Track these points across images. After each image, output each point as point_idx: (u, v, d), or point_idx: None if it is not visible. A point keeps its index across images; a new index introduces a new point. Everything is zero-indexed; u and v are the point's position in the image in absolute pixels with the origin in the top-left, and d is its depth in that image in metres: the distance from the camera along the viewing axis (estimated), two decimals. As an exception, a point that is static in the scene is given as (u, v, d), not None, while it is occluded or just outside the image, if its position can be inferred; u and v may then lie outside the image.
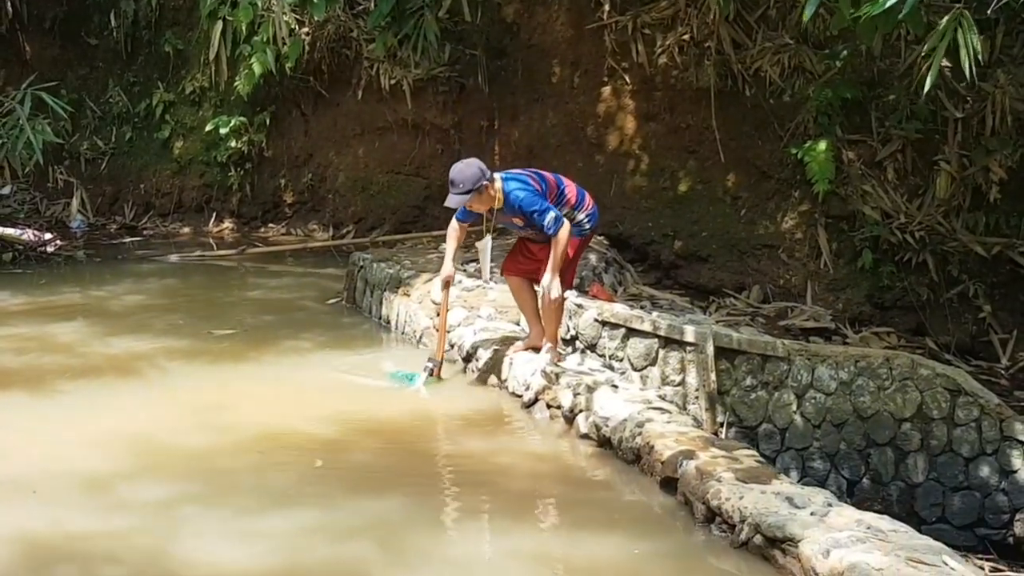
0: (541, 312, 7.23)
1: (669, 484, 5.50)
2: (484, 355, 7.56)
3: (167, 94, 15.14)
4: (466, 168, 6.85)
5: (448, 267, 7.39)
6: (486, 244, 7.19)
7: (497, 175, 6.98)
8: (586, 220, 7.26)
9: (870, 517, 4.68)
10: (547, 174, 7.23)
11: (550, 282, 6.91)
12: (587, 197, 7.33)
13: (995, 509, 7.49)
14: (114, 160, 15.47)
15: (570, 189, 7.22)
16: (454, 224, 7.33)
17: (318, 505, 5.41)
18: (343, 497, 5.52)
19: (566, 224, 6.92)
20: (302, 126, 14.36)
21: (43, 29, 16.00)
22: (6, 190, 15.25)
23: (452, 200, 6.86)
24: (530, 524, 5.38)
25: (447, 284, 7.48)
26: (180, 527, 5.15)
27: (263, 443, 6.27)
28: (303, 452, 6.18)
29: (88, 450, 6.14)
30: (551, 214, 6.83)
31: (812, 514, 4.70)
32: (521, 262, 7.34)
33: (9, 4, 15.73)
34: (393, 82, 13.13)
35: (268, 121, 14.29)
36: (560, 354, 7.23)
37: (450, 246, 7.38)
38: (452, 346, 8.09)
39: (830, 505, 4.82)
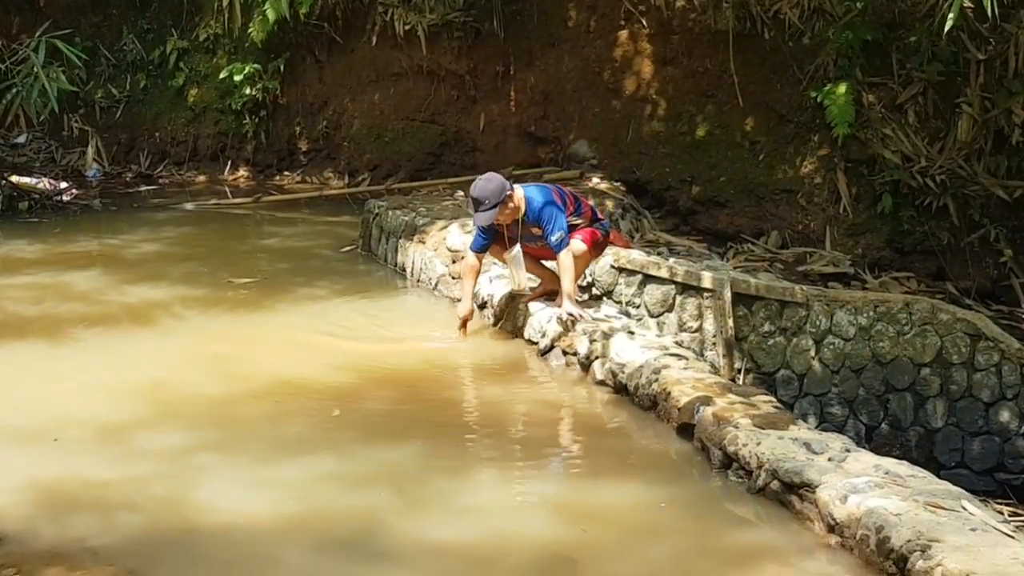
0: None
1: (686, 430, 5.48)
2: (499, 302, 7.52)
3: (181, 41, 15.03)
4: (488, 183, 6.78)
5: (467, 304, 7.21)
6: (517, 254, 7.07)
7: (517, 186, 6.94)
8: (600, 227, 7.21)
9: (888, 462, 4.66)
10: (566, 190, 7.19)
11: (567, 308, 6.83)
12: (599, 213, 7.34)
13: (1015, 454, 7.50)
14: (129, 108, 15.40)
15: (586, 206, 7.19)
16: (470, 260, 7.17)
17: (334, 453, 5.41)
18: (359, 445, 5.52)
19: (572, 248, 6.85)
20: (316, 73, 14.25)
21: (56, -23, 15.87)
22: (21, 139, 15.22)
23: (482, 217, 6.76)
24: (546, 471, 5.37)
25: (465, 323, 7.25)
26: (196, 475, 5.16)
27: (279, 391, 6.27)
28: (319, 400, 6.18)
29: (105, 398, 6.16)
30: (560, 233, 6.78)
31: (830, 460, 4.68)
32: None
33: (22, -49, 15.60)
34: (408, 28, 12.99)
35: (282, 68, 14.19)
36: (581, 306, 7.16)
37: (468, 284, 7.21)
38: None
39: (848, 451, 4.80)
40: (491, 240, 7.05)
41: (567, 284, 6.87)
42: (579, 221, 7.00)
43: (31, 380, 6.60)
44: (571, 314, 6.81)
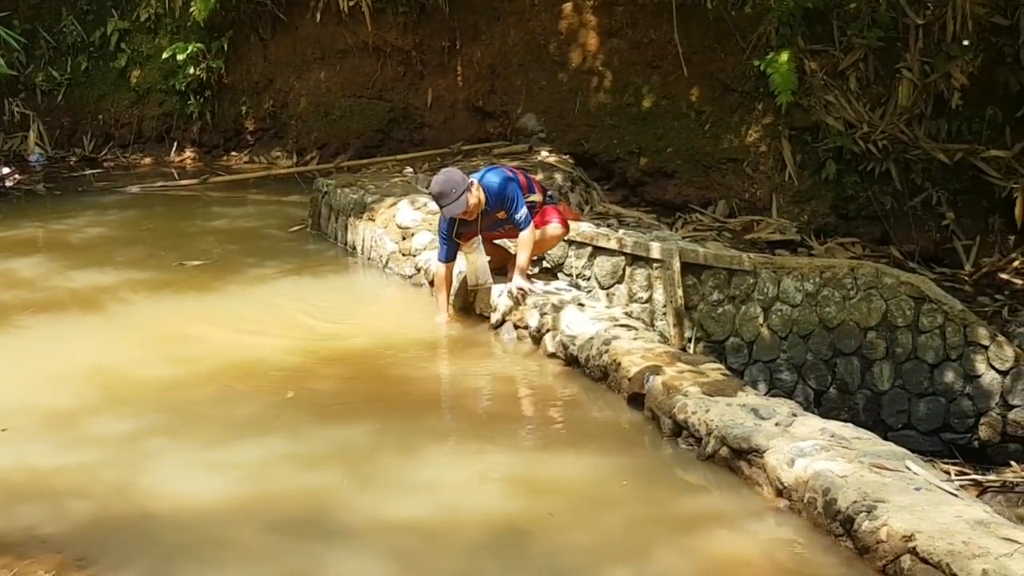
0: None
1: (636, 400, 5.53)
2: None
3: (122, 22, 14.80)
4: (447, 175, 6.73)
5: (445, 317, 7.09)
6: (478, 246, 7.01)
7: (471, 177, 6.85)
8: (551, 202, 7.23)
9: (834, 425, 4.73)
10: (514, 169, 7.16)
11: (518, 283, 6.83)
12: (535, 184, 7.26)
13: (960, 414, 7.63)
14: (71, 91, 15.16)
15: (536, 184, 7.16)
16: (440, 271, 7.07)
17: (285, 434, 5.40)
18: (310, 425, 5.52)
19: (546, 230, 6.90)
20: (261, 51, 14.12)
21: (-9, -42, 15.59)
22: (-39, 125, 14.98)
23: (453, 208, 6.62)
24: (499, 445, 5.39)
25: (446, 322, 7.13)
26: (147, 460, 5.13)
27: (229, 373, 6.24)
28: (270, 381, 6.16)
29: (52, 385, 6.11)
30: (524, 210, 6.78)
31: (777, 424, 4.74)
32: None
33: (-46, -68, 15.28)
34: (352, 4, 12.88)
35: (226, 47, 14.03)
36: (530, 278, 7.18)
37: (442, 296, 7.10)
38: (419, 270, 8.06)
39: (795, 415, 4.86)
40: (455, 245, 6.97)
41: (522, 259, 6.87)
42: (536, 198, 7.00)
43: (-25, 369, 6.53)
44: (521, 288, 6.83)
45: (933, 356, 7.61)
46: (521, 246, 6.88)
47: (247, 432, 5.44)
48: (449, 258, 7.02)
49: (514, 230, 6.92)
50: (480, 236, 6.98)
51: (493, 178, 6.85)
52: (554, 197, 7.42)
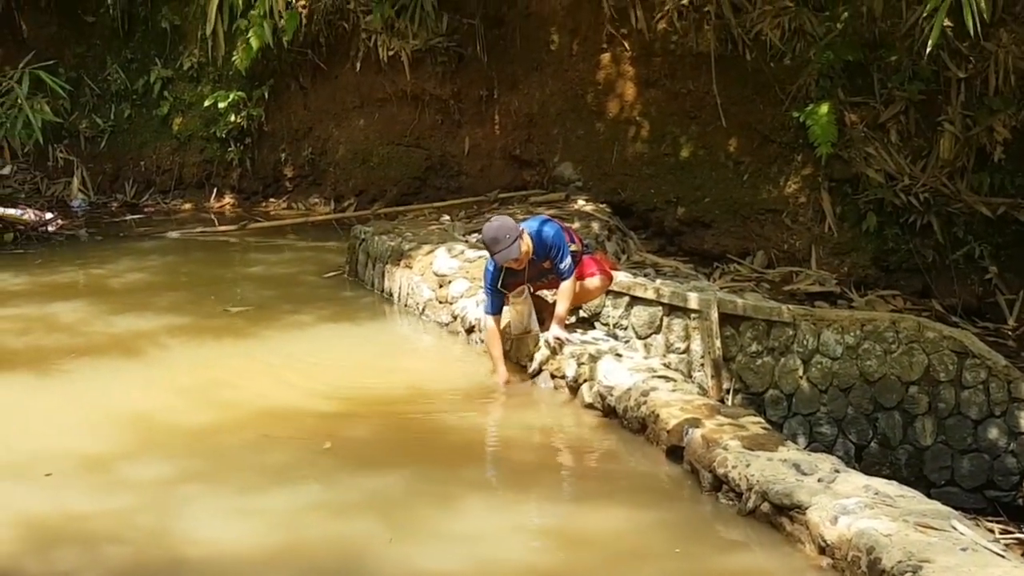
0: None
1: (675, 453, 5.46)
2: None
3: (165, 70, 15.05)
4: (502, 223, 6.65)
5: (503, 370, 6.91)
6: (525, 296, 6.96)
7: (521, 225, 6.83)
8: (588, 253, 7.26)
9: (878, 483, 4.64)
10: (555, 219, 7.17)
11: (555, 332, 6.80)
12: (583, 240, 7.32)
13: (1004, 471, 7.49)
14: (114, 138, 15.39)
15: (575, 235, 7.17)
16: (490, 324, 6.93)
17: (320, 481, 5.38)
18: (345, 473, 5.49)
19: (574, 277, 6.87)
20: (301, 99, 14.27)
21: (39, 8, 15.85)
22: (6, 170, 15.18)
23: (506, 255, 6.54)
24: (535, 496, 5.34)
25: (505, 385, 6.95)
26: (182, 506, 5.12)
27: (265, 420, 6.24)
28: (305, 428, 6.14)
29: (90, 429, 6.12)
30: (568, 260, 6.79)
31: (819, 481, 4.66)
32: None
33: (5, -18, 15.61)
34: (391, 53, 13.02)
35: (267, 95, 14.20)
36: (568, 328, 7.14)
37: (497, 350, 6.92)
38: (455, 317, 8.05)
39: (837, 471, 4.78)
40: (502, 296, 6.90)
41: (561, 309, 6.85)
42: (574, 248, 6.98)
43: (17, 412, 6.56)
44: (558, 338, 6.80)
45: (977, 412, 7.49)
46: (561, 295, 6.85)
47: (282, 479, 5.42)
48: (496, 311, 6.93)
49: (556, 280, 6.90)
50: (528, 286, 6.95)
51: (540, 227, 6.83)
52: (590, 247, 7.40)
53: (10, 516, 4.95)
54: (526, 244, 6.66)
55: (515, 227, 6.64)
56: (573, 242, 6.99)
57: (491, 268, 6.85)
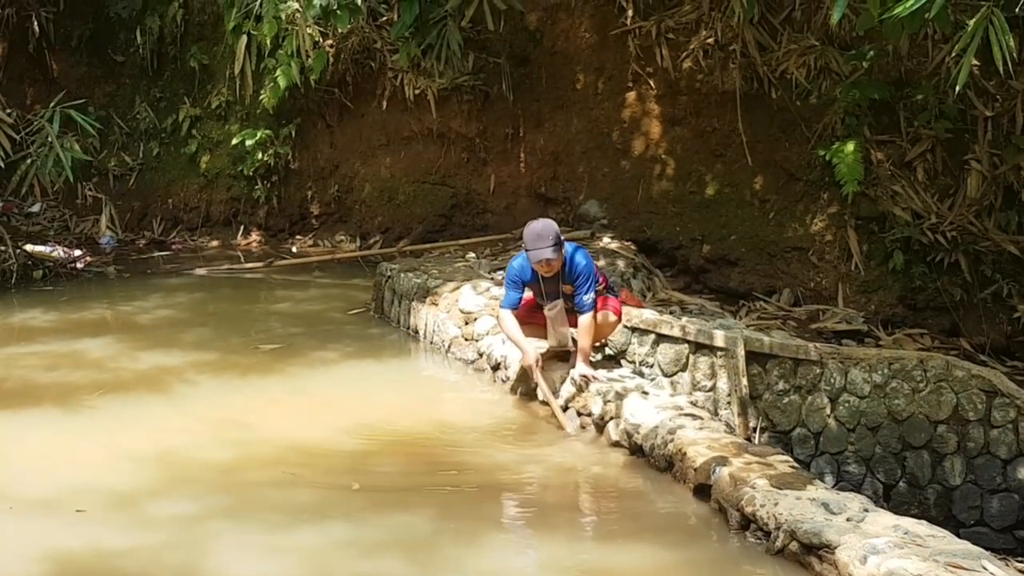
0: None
1: (702, 491, 5.43)
2: (514, 364, 7.51)
3: (193, 109, 15.20)
4: (547, 225, 6.76)
5: (530, 349, 6.98)
6: (560, 309, 7.00)
7: None
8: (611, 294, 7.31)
9: (907, 522, 4.61)
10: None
11: (581, 369, 6.86)
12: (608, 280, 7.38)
13: (1034, 511, 7.40)
14: (142, 176, 15.55)
15: (601, 273, 7.26)
16: (505, 314, 7.00)
17: (346, 519, 5.37)
18: (370, 511, 5.49)
19: (601, 319, 6.97)
20: (327, 137, 14.38)
21: (70, 47, 16.10)
22: (36, 208, 15.35)
23: (546, 252, 6.64)
24: (561, 535, 5.32)
25: (538, 366, 6.99)
26: (209, 543, 5.13)
27: (291, 457, 6.24)
28: (331, 466, 6.15)
29: (118, 466, 6.14)
30: (592, 295, 6.84)
31: (848, 520, 4.63)
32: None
33: (36, 23, 15.82)
34: (417, 92, 13.12)
35: (294, 133, 14.32)
36: (593, 364, 7.15)
37: (517, 332, 6.98)
38: (481, 355, 8.06)
39: (866, 511, 4.75)
40: (521, 294, 7.01)
41: (584, 344, 6.88)
42: (599, 287, 7.05)
43: (44, 448, 6.60)
44: (584, 375, 6.80)
45: (1006, 451, 7.42)
46: (582, 331, 6.87)
47: (308, 517, 5.42)
48: (513, 306, 6.99)
49: (572, 311, 6.92)
50: (561, 300, 6.96)
51: (575, 252, 6.89)
52: (614, 289, 7.41)
53: (40, 552, 4.97)
54: (561, 256, 6.76)
55: (558, 233, 6.74)
56: (598, 281, 7.02)
57: (517, 264, 6.94)
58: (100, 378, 8.12)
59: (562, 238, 6.80)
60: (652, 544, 5.09)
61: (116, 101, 15.91)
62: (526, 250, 6.79)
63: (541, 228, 6.74)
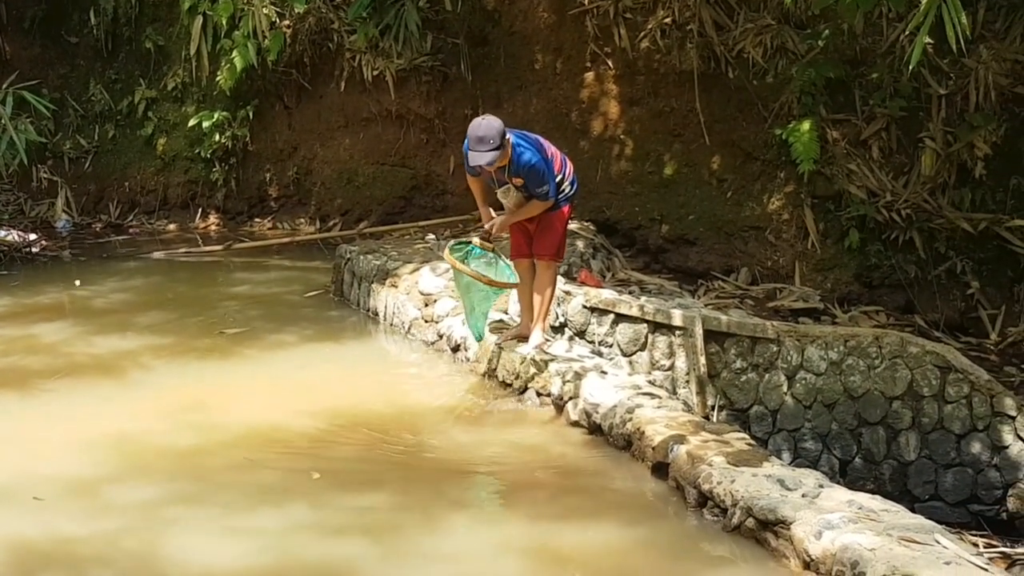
0: (533, 295, 7.17)
1: (660, 469, 5.48)
2: (473, 344, 7.52)
3: (149, 91, 15.02)
4: (490, 125, 6.59)
5: (489, 216, 7.16)
6: (510, 190, 6.97)
7: (511, 134, 6.80)
8: (569, 187, 7.16)
9: (862, 497, 4.67)
10: (541, 140, 7.10)
11: (502, 221, 6.95)
12: (567, 161, 7.22)
13: (988, 485, 7.52)
14: (98, 158, 15.36)
15: (556, 157, 7.10)
16: (472, 181, 7.21)
17: (307, 502, 5.38)
18: (331, 494, 5.49)
19: (549, 204, 6.93)
20: (286, 119, 14.27)
21: (23, 28, 15.85)
22: (-11, 191, 15.16)
23: (483, 157, 6.54)
24: (522, 514, 5.35)
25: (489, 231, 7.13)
26: (169, 528, 5.11)
27: (250, 440, 6.23)
28: (290, 449, 6.14)
29: (75, 452, 6.10)
30: (548, 186, 6.82)
31: (803, 496, 4.69)
32: (524, 244, 7.22)
33: (-13, 4, 15.60)
34: (376, 73, 13.04)
35: (251, 115, 14.19)
36: (547, 340, 7.19)
37: (479, 196, 7.21)
38: (441, 336, 8.06)
39: (821, 487, 4.81)
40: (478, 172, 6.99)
41: (517, 214, 6.95)
42: (559, 178, 7.00)
43: (0, 435, 6.53)
44: (539, 347, 6.87)
45: (959, 426, 7.52)
46: (530, 204, 6.91)
47: (268, 501, 5.41)
48: (474, 172, 6.99)
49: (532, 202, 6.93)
50: (512, 184, 6.91)
51: (526, 151, 6.78)
52: (575, 184, 7.27)
53: (-4, 540, 4.94)
54: (505, 156, 6.68)
55: (500, 136, 6.56)
56: (553, 173, 6.95)
57: (465, 151, 6.85)
58: (55, 363, 8.05)
59: (507, 137, 6.65)
60: (611, 522, 5.13)
61: (70, 83, 15.70)
62: (465, 150, 6.73)
63: (484, 131, 6.54)
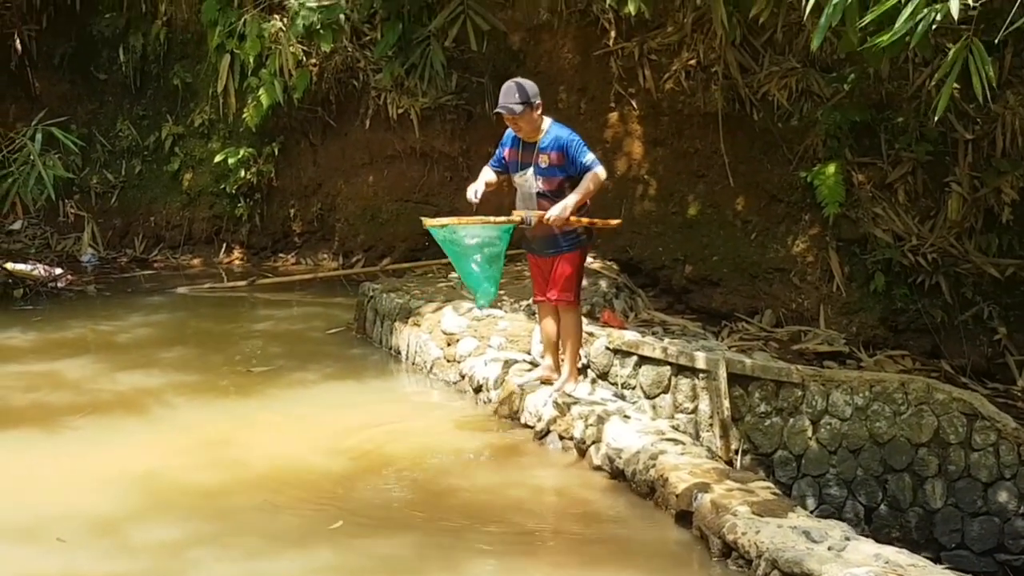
0: (560, 344, 7.16)
1: (684, 518, 5.44)
2: (495, 386, 7.50)
3: (176, 127, 15.14)
4: (522, 82, 6.74)
5: (473, 187, 7.17)
6: (527, 176, 6.96)
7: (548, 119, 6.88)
8: (584, 231, 7.17)
9: (889, 551, 4.62)
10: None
11: (565, 204, 6.76)
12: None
13: (1015, 534, 7.43)
14: (124, 193, 15.46)
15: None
16: (485, 168, 7.25)
17: (329, 545, 5.35)
18: (354, 536, 5.47)
19: (602, 168, 6.86)
20: (311, 156, 14.35)
21: (52, 65, 16.01)
22: (16, 225, 15.25)
23: (510, 105, 6.64)
24: (545, 563, 5.32)
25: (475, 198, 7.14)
26: (191, 570, 5.10)
27: (273, 480, 6.23)
28: (313, 490, 6.13)
29: (97, 490, 6.11)
30: (591, 154, 6.80)
31: (829, 548, 4.64)
32: (544, 284, 7.17)
33: (18, 41, 15.75)
34: (400, 111, 13.11)
35: (277, 152, 14.28)
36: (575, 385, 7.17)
37: (481, 178, 7.21)
38: (463, 376, 8.05)
39: (848, 539, 4.76)
40: (503, 156, 7.04)
41: (573, 198, 6.80)
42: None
43: (22, 471, 6.55)
44: (564, 391, 6.84)
45: (986, 474, 7.44)
46: (587, 176, 6.79)
47: (291, 543, 5.40)
48: (494, 164, 7.10)
49: (543, 196, 6.85)
50: (532, 170, 6.88)
51: (563, 130, 6.88)
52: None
53: (19, 579, 4.94)
54: (535, 120, 6.74)
55: (535, 93, 6.68)
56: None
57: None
58: (79, 400, 8.07)
59: (537, 100, 6.71)
60: (634, 571, 5.09)
61: (98, 119, 15.84)
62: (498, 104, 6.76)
63: (514, 83, 6.73)
